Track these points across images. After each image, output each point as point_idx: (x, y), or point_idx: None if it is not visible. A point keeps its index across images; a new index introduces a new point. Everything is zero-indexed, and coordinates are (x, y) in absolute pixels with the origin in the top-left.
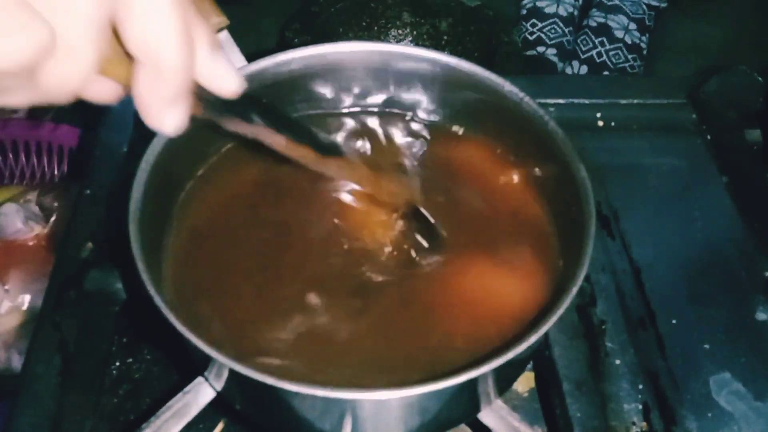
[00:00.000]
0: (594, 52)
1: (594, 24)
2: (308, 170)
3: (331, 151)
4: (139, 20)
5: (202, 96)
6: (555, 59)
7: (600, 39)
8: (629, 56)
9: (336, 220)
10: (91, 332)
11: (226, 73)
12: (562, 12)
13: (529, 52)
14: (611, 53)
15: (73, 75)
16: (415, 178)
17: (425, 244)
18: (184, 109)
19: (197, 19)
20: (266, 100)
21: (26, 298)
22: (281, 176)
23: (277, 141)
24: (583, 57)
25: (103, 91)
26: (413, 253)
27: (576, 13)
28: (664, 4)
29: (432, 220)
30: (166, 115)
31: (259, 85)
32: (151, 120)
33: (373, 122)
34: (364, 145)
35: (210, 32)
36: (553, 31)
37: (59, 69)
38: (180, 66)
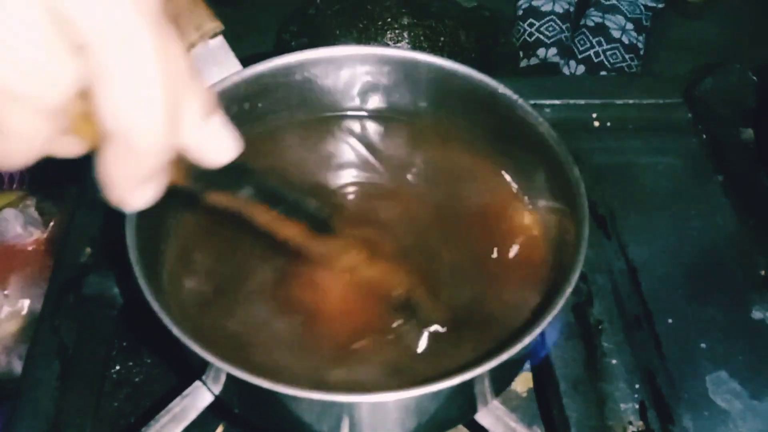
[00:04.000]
0: (591, 52)
1: (591, 24)
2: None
3: (326, 228)
4: (116, 96)
5: (184, 166)
6: (557, 59)
7: (597, 39)
8: (627, 56)
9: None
10: (91, 336)
11: (217, 144)
12: (558, 9)
13: (531, 61)
14: (608, 53)
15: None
16: (416, 257)
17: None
18: (155, 187)
19: (190, 80)
20: (257, 170)
21: (26, 303)
22: None
23: (264, 217)
24: (580, 57)
25: (68, 148)
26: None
27: (572, 9)
28: (661, 5)
29: (432, 304)
30: (133, 196)
31: (255, 89)
32: (114, 198)
33: (368, 126)
34: (361, 149)
35: (203, 95)
36: (550, 28)
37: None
38: (158, 147)
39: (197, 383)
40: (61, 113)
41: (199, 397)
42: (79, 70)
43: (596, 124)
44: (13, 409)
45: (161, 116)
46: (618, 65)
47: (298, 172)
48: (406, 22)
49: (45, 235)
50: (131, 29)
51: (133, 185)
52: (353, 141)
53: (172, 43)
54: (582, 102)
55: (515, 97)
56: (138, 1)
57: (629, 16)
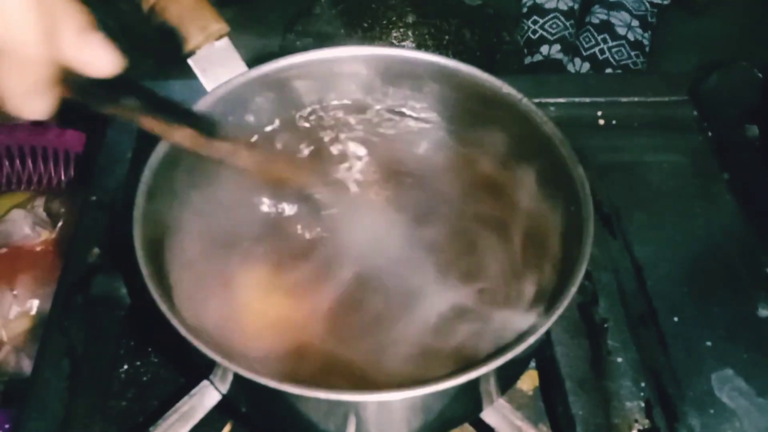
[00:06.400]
0: (596, 49)
1: (596, 21)
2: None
3: (215, 132)
4: None
5: (72, 78)
6: (560, 56)
7: (602, 36)
8: (632, 53)
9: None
10: (99, 336)
11: (97, 55)
12: (562, 6)
13: (535, 58)
14: (614, 50)
15: None
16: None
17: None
18: (48, 95)
19: (65, 2)
20: (141, 83)
21: (34, 303)
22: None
23: (153, 124)
24: (585, 54)
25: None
26: None
27: (576, 7)
28: (666, 1)
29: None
30: (28, 103)
31: (261, 89)
32: (12, 108)
33: (372, 124)
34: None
35: (77, 14)
36: (554, 25)
37: None
38: (38, 58)
39: (204, 383)
40: None
41: (207, 396)
42: None
43: (601, 122)
44: (22, 409)
45: (36, 30)
46: (623, 62)
47: (303, 169)
48: (410, 21)
49: (53, 236)
50: None
51: (24, 94)
52: (358, 139)
53: None
54: (587, 100)
55: (519, 95)
56: None
57: (634, 13)
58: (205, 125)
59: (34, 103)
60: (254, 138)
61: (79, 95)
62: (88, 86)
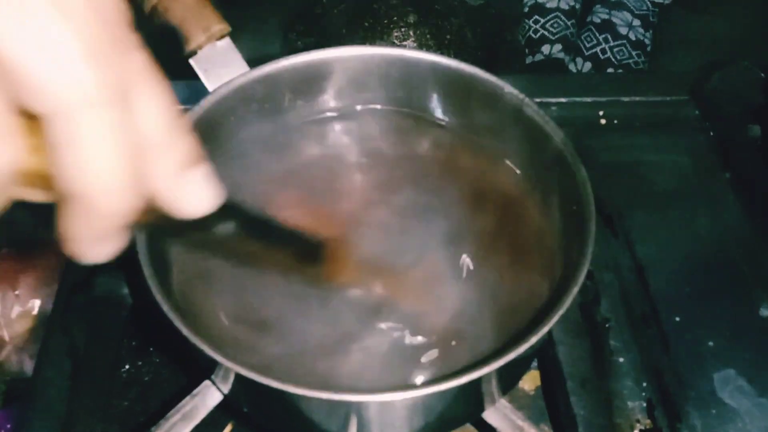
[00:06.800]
0: (598, 49)
1: (598, 20)
2: None
3: (317, 257)
4: (73, 163)
5: (154, 216)
6: (562, 55)
7: (604, 35)
8: (633, 53)
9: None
10: (101, 336)
11: (194, 197)
12: (563, 6)
13: (536, 57)
14: (615, 50)
15: None
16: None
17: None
18: (116, 242)
19: (165, 135)
20: (237, 203)
21: (36, 303)
22: None
23: (252, 249)
24: (587, 54)
25: (33, 196)
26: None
27: (578, 6)
28: (668, 1)
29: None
30: (92, 250)
31: (262, 90)
32: (73, 252)
33: (373, 124)
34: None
35: (182, 147)
36: (555, 25)
37: None
38: (118, 209)
39: (206, 382)
40: (11, 177)
41: (209, 396)
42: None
43: (603, 121)
44: (24, 409)
45: (121, 182)
46: (625, 62)
47: (305, 171)
48: (412, 21)
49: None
50: (90, 99)
51: (92, 241)
52: (359, 140)
53: (147, 97)
54: (588, 100)
55: (521, 95)
56: (99, 63)
57: (636, 12)
58: (308, 247)
59: (100, 248)
60: None
61: (162, 223)
62: (175, 222)
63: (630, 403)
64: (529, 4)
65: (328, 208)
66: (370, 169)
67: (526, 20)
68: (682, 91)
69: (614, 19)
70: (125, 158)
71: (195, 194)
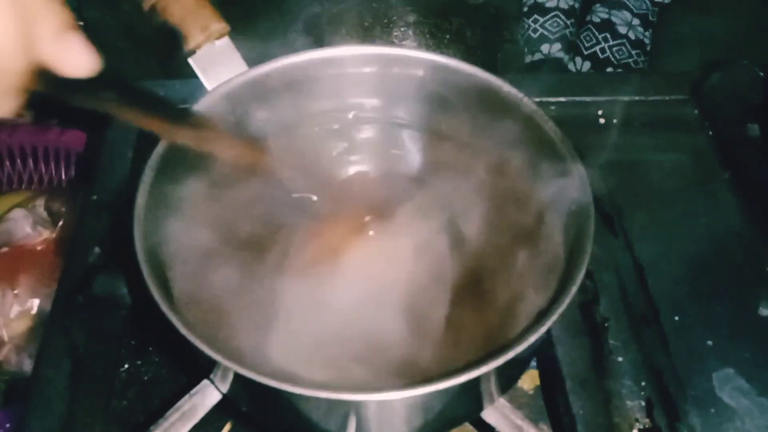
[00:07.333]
0: (597, 48)
1: (597, 20)
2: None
3: (185, 118)
4: None
5: (46, 76)
6: (561, 55)
7: (603, 35)
8: (633, 52)
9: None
10: (100, 336)
11: (76, 56)
12: (563, 5)
13: (535, 57)
14: (615, 49)
15: None
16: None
17: None
18: (15, 98)
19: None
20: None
21: (35, 302)
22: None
23: (129, 115)
24: (586, 53)
25: None
26: None
27: (577, 5)
28: (667, 0)
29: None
30: None
31: (263, 89)
32: None
33: (373, 124)
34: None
35: (55, 13)
36: (554, 24)
37: None
38: (11, 67)
39: (205, 382)
40: None
41: (207, 395)
42: None
43: (602, 121)
44: (24, 408)
45: (12, 36)
46: (624, 61)
47: (305, 169)
48: (411, 20)
49: (54, 235)
50: None
51: None
52: (359, 139)
53: None
54: (588, 99)
55: (520, 95)
56: None
57: (636, 11)
58: (175, 112)
59: (3, 103)
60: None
61: (51, 90)
62: (62, 82)
63: (629, 403)
64: (528, 3)
65: (326, 199)
66: (367, 167)
67: (526, 19)
68: (681, 91)
69: (614, 19)
70: (13, 24)
71: (74, 54)
